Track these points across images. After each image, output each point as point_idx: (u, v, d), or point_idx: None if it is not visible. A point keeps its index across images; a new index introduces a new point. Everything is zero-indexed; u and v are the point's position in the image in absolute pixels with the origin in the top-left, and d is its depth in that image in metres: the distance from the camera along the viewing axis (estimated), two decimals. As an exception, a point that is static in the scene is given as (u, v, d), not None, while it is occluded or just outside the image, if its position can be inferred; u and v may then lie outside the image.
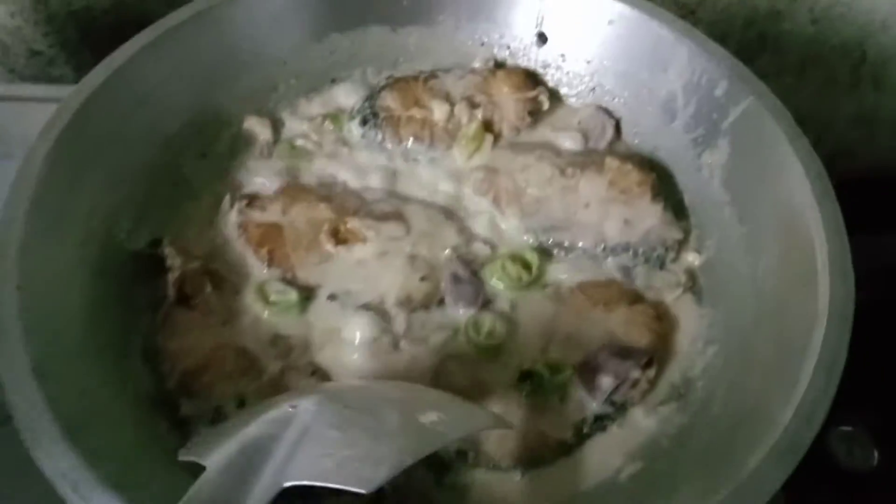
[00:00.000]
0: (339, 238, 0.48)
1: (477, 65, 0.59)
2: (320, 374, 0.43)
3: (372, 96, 0.57)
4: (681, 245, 0.50)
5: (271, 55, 0.57)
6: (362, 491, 0.30)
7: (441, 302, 0.47)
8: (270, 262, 0.47)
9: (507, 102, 0.56)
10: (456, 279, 0.47)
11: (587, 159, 0.53)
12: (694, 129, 0.53)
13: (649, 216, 0.49)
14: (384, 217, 0.50)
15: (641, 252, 0.49)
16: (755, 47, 0.75)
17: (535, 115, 0.57)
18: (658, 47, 0.54)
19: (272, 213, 0.49)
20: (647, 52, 0.55)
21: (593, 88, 0.58)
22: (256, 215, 0.49)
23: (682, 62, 0.53)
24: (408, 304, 0.46)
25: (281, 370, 0.42)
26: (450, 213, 0.51)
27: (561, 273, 0.48)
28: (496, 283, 0.47)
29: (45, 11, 0.69)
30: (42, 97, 0.65)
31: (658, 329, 0.45)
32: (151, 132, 0.51)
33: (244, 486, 0.31)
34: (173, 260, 0.44)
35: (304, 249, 0.48)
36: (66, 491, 0.31)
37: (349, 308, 0.46)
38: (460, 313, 0.46)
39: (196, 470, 0.32)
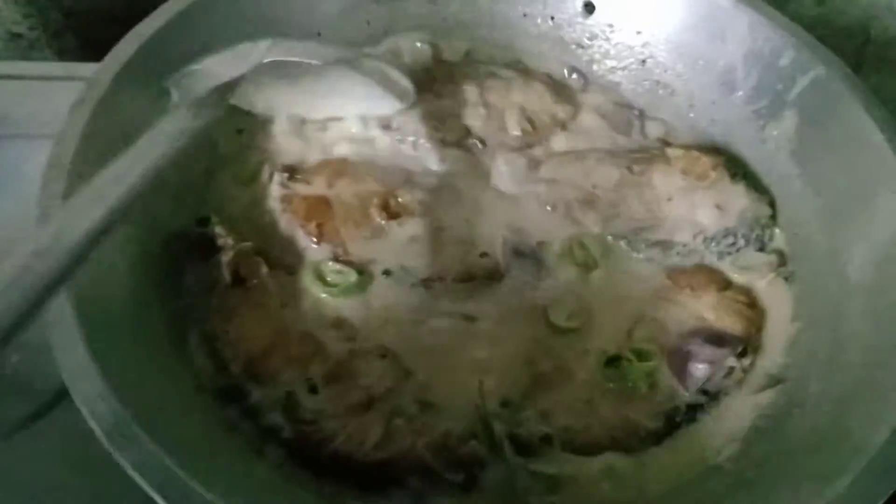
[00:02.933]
0: (390, 212, 0.45)
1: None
2: (391, 355, 0.40)
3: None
4: (772, 221, 0.47)
5: (306, 26, 0.53)
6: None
7: (501, 278, 0.44)
8: (320, 237, 0.44)
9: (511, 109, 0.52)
10: (518, 253, 0.45)
11: (646, 153, 0.50)
12: (756, 101, 0.51)
13: (737, 196, 0.47)
14: (435, 190, 0.47)
15: (741, 235, 0.46)
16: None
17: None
18: (715, 16, 0.52)
19: (317, 186, 0.46)
20: (704, 20, 0.53)
21: (643, 61, 0.56)
22: (301, 188, 0.46)
23: (742, 31, 0.51)
24: (469, 280, 0.43)
25: (349, 354, 0.39)
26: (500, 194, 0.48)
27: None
28: (561, 262, 0.45)
29: (26, -9, 0.65)
30: (49, 75, 0.61)
31: (751, 315, 0.42)
32: (184, 107, 0.47)
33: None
34: (224, 239, 0.41)
35: (354, 224, 0.45)
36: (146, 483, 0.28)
37: (406, 285, 0.43)
38: (525, 292, 0.43)
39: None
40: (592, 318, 0.42)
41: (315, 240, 0.44)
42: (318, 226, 0.44)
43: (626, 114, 0.54)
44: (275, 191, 0.46)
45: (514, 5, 0.57)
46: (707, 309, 0.42)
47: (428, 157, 0.49)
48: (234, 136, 0.49)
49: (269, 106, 0.50)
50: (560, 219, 0.47)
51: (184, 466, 0.29)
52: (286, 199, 0.46)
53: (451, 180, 0.48)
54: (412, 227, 0.45)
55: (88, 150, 0.39)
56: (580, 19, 0.57)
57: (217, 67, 0.42)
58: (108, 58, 0.44)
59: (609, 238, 0.46)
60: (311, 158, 0.49)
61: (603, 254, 0.45)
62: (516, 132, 0.51)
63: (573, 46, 0.57)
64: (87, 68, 0.47)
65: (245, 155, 0.49)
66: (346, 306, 0.42)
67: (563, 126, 0.53)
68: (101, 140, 0.40)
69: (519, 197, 0.48)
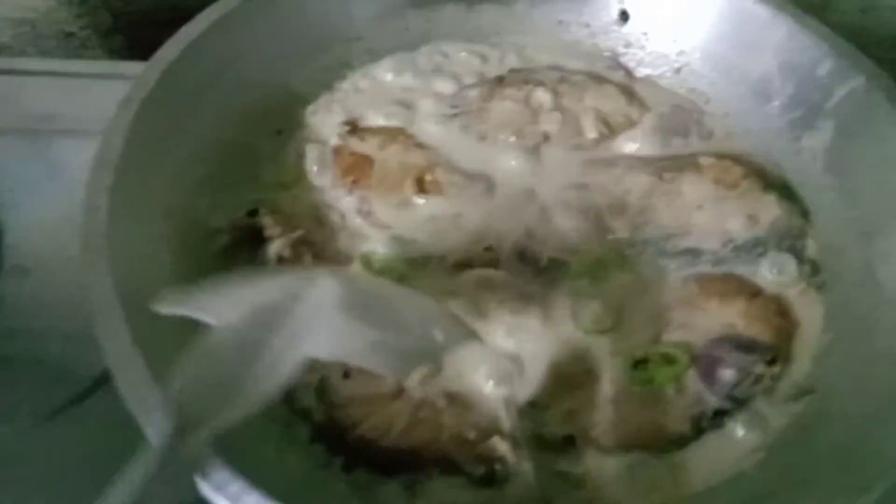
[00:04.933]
0: (422, 187, 0.48)
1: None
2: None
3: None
4: (804, 232, 0.47)
5: (344, 30, 0.55)
6: (392, 376, 0.34)
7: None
8: (351, 190, 0.48)
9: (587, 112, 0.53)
10: (522, 258, 0.45)
11: (677, 162, 0.50)
12: (792, 111, 0.51)
13: (769, 206, 0.46)
14: (472, 177, 0.49)
15: (772, 244, 0.46)
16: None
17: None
18: (751, 24, 0.52)
19: (369, 146, 0.49)
20: (739, 29, 0.53)
21: (679, 69, 0.56)
22: (354, 143, 0.50)
23: (780, 40, 0.51)
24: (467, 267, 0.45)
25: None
26: (536, 191, 0.49)
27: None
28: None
29: (79, -7, 0.68)
30: (98, 73, 0.63)
31: (781, 324, 0.42)
32: (226, 108, 0.49)
33: (259, 353, 0.29)
34: (272, 229, 0.43)
35: (387, 188, 0.48)
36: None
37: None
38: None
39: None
40: (621, 321, 0.42)
41: (347, 190, 0.48)
42: (354, 181, 0.48)
43: (684, 116, 0.54)
44: (333, 140, 0.50)
45: (550, 13, 0.58)
46: (736, 316, 0.42)
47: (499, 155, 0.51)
48: (273, 137, 0.51)
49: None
50: (586, 230, 0.47)
51: (222, 451, 0.30)
52: (338, 151, 0.49)
53: (491, 172, 0.50)
54: (436, 207, 0.47)
55: (134, 146, 0.41)
56: (615, 27, 0.57)
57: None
58: (153, 58, 0.46)
59: (631, 251, 0.46)
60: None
61: (627, 263, 0.45)
62: (593, 134, 0.52)
63: (608, 54, 0.58)
64: (135, 67, 0.50)
65: (285, 156, 0.50)
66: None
67: (633, 127, 0.53)
68: (146, 136, 0.42)
69: (549, 204, 0.48)
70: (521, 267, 0.45)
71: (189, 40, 0.47)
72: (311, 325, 0.30)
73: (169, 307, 0.31)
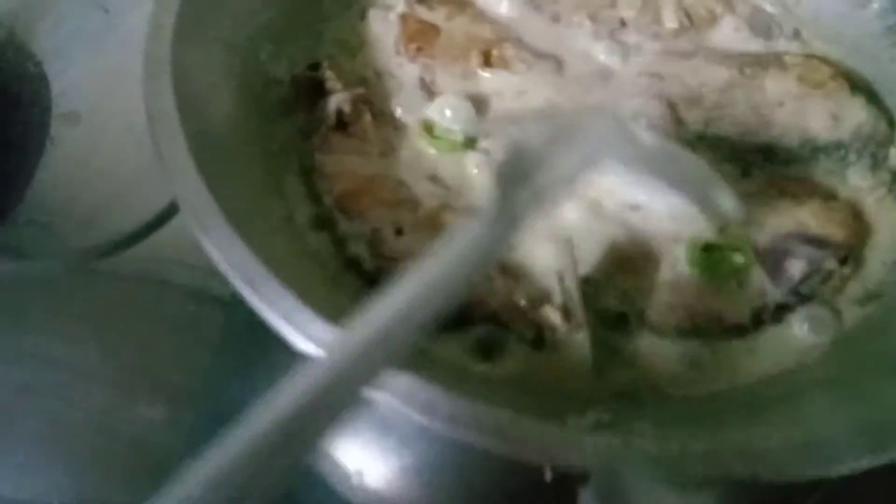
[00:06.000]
0: (488, 61, 0.46)
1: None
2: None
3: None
4: (890, 139, 0.44)
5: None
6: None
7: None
8: (414, 58, 0.46)
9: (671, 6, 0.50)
10: None
11: (760, 58, 0.47)
12: (889, 17, 0.47)
13: (855, 109, 0.43)
14: (541, 56, 0.47)
15: (855, 149, 0.43)
16: None
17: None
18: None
19: (437, 15, 0.48)
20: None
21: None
22: (422, 12, 0.48)
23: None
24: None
25: (440, 206, 0.39)
26: (608, 75, 0.47)
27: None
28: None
29: None
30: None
31: (855, 226, 0.40)
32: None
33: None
34: (334, 83, 0.42)
35: (452, 59, 0.46)
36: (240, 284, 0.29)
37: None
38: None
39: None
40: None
41: (411, 58, 0.46)
42: (418, 48, 0.46)
43: (765, 17, 0.50)
44: (400, 6, 0.48)
45: None
46: (809, 216, 0.39)
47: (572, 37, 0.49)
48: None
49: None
50: (659, 120, 0.44)
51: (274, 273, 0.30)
52: (404, 18, 0.47)
53: (562, 53, 0.48)
54: (500, 82, 0.45)
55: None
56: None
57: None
58: None
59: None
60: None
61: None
62: (673, 24, 0.49)
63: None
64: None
65: (350, 14, 0.49)
66: (444, 164, 0.42)
67: (715, 22, 0.50)
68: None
69: (619, 92, 0.46)
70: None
71: None
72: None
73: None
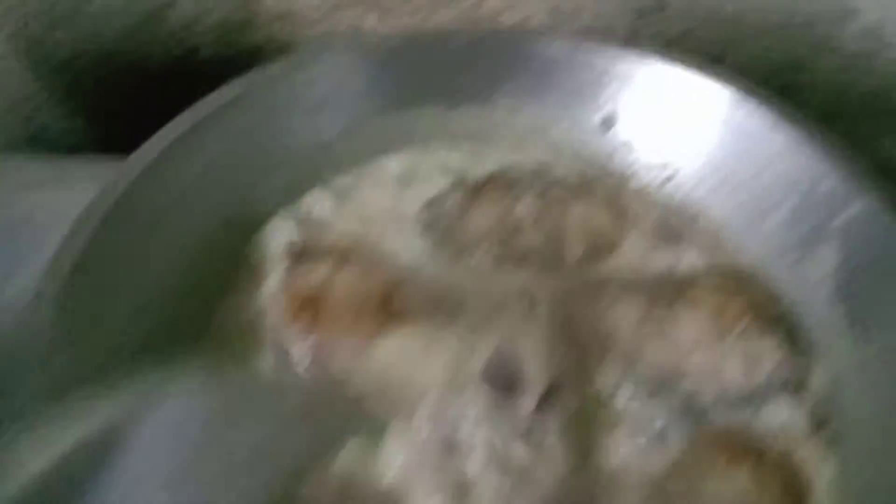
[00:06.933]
0: (388, 311, 0.42)
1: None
2: None
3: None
4: (810, 375, 0.42)
5: (315, 139, 0.52)
6: None
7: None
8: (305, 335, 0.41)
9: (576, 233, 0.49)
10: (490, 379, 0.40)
11: (669, 290, 0.45)
12: (791, 230, 0.46)
13: (770, 349, 0.41)
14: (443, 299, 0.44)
15: (773, 392, 0.41)
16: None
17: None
18: (748, 135, 0.48)
19: (321, 272, 0.44)
20: (733, 139, 0.49)
21: (668, 179, 0.52)
22: (304, 271, 0.44)
23: (777, 152, 0.47)
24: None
25: None
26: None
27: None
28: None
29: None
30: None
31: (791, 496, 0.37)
32: (186, 235, 0.45)
33: None
34: None
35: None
36: None
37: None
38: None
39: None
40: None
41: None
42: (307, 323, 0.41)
43: (675, 229, 0.49)
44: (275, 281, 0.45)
45: (532, 117, 0.54)
46: (748, 483, 0.37)
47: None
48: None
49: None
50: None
51: None
52: (287, 286, 0.44)
53: (464, 284, 0.45)
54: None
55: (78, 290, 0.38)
56: (598, 135, 0.54)
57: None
58: (105, 187, 0.42)
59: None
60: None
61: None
62: (578, 253, 0.48)
63: (594, 161, 0.54)
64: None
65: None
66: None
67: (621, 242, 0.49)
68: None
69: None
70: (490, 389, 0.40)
71: (145, 164, 0.44)
72: None
73: None
